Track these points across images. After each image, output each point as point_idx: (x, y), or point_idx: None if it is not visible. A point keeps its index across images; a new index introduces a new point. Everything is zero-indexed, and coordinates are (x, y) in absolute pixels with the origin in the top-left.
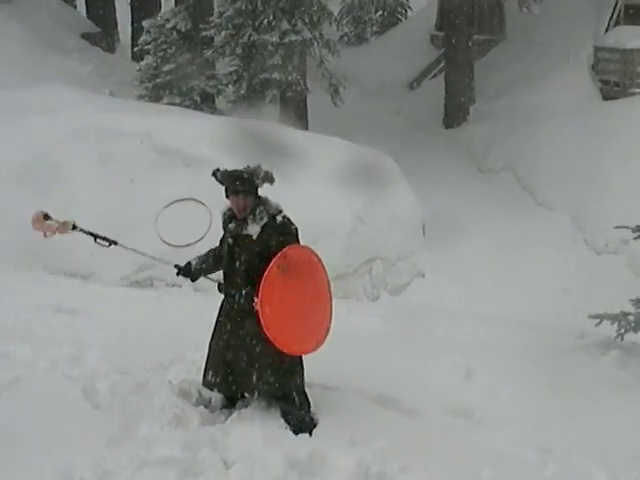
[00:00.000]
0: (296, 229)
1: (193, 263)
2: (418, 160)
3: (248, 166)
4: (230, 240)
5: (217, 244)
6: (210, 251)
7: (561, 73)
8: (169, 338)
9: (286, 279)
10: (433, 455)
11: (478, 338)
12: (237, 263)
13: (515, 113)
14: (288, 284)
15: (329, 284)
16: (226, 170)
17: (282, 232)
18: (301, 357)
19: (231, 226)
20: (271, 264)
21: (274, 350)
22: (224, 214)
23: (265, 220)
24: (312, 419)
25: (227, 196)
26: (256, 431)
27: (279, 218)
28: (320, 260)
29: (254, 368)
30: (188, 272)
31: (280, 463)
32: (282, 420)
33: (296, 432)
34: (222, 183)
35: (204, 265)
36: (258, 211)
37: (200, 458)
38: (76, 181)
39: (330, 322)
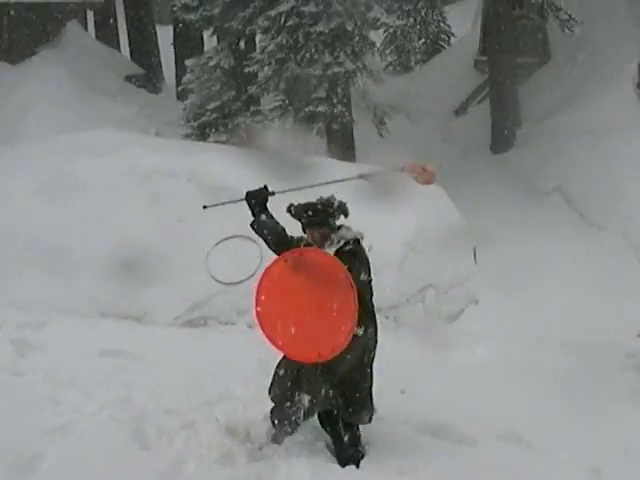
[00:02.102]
0: (365, 259)
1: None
2: (466, 186)
3: (321, 197)
4: None
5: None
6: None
7: (607, 92)
8: (217, 375)
9: (295, 276)
10: None
11: (524, 360)
12: None
13: (562, 134)
14: (295, 281)
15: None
16: (300, 204)
17: (348, 258)
18: None
19: None
20: (283, 254)
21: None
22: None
23: (339, 245)
24: (360, 451)
25: (304, 230)
26: (304, 466)
27: (349, 246)
28: (352, 285)
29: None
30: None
31: None
32: (329, 454)
33: (344, 465)
34: (296, 218)
35: (275, 227)
36: (335, 238)
37: None
38: (125, 222)
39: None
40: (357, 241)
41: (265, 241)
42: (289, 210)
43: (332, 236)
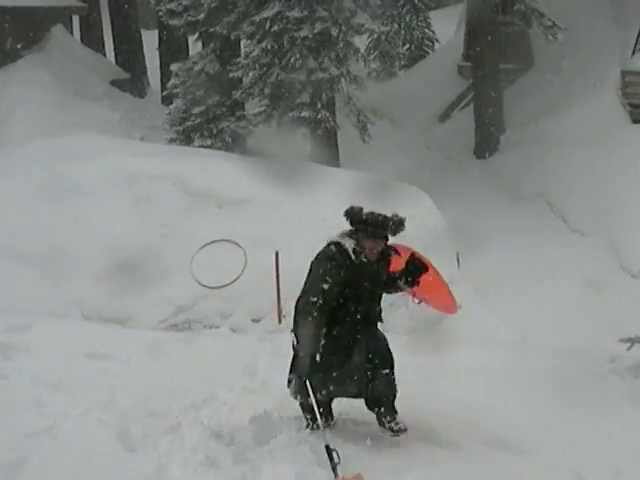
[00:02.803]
0: None
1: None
2: (450, 191)
3: (395, 214)
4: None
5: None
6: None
7: (589, 98)
8: (202, 379)
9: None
10: None
11: (508, 365)
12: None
13: (546, 140)
14: None
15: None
16: (378, 215)
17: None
18: None
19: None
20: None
21: None
22: (344, 252)
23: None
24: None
25: (362, 237)
26: (288, 468)
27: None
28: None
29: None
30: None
31: None
32: (314, 457)
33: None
34: (361, 224)
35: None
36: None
37: None
38: (110, 226)
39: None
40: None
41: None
42: (349, 214)
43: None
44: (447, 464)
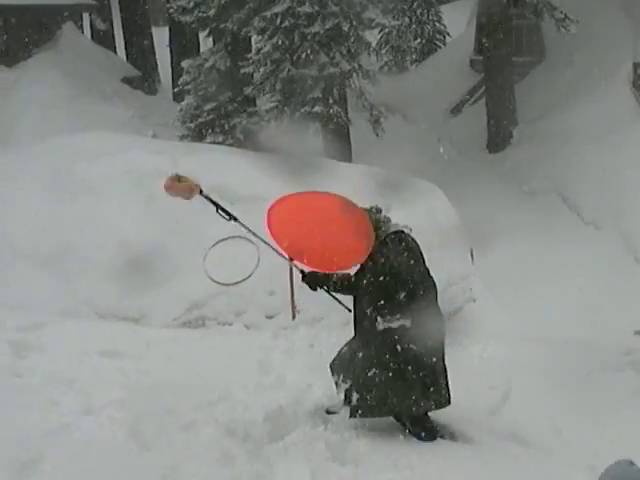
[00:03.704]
0: None
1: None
2: (462, 185)
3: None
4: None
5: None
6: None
7: (602, 91)
8: (216, 376)
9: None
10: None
11: (523, 359)
12: None
13: (559, 134)
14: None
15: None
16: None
17: None
18: None
19: None
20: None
21: None
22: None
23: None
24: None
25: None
26: (303, 465)
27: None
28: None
29: None
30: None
31: None
32: (328, 453)
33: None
34: None
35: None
36: None
37: None
38: (122, 224)
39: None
40: None
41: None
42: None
43: None
44: (458, 458)
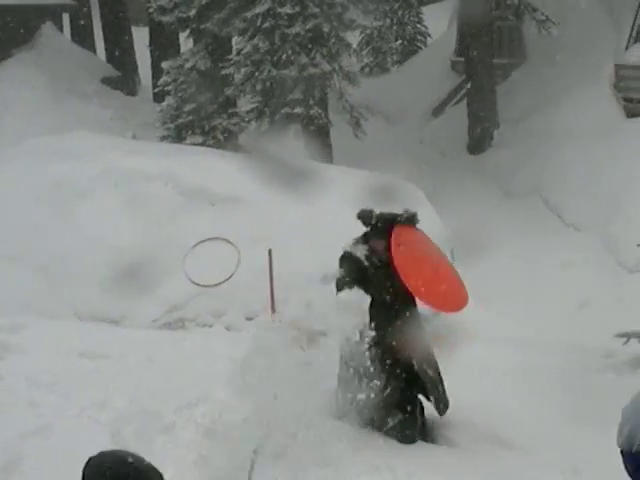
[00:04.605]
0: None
1: None
2: (443, 187)
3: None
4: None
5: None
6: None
7: (583, 93)
8: (196, 378)
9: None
10: None
11: (503, 361)
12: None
13: (540, 135)
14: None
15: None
16: (381, 214)
17: None
18: None
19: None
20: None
21: None
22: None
23: None
24: None
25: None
26: (283, 467)
27: None
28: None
29: None
30: None
31: None
32: (311, 455)
33: None
34: (378, 224)
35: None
36: None
37: None
38: (104, 225)
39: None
40: None
41: None
42: (364, 217)
43: None
44: (443, 460)
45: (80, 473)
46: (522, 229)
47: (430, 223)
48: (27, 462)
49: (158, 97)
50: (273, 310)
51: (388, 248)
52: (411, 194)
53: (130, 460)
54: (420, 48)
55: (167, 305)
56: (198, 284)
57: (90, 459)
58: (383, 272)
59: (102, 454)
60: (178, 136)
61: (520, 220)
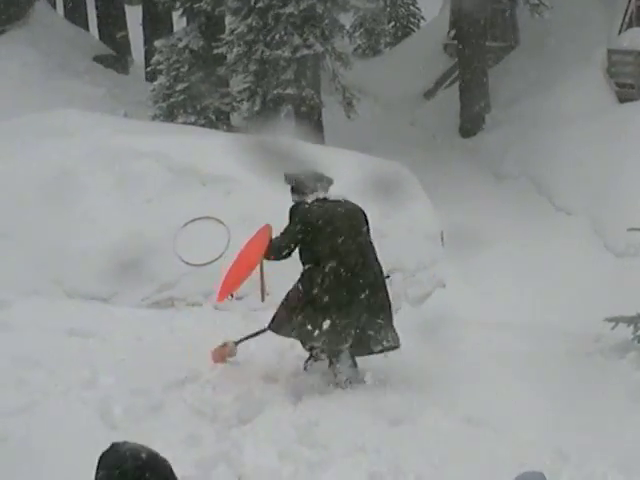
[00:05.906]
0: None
1: None
2: (435, 170)
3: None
4: None
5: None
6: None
7: (576, 77)
8: (185, 356)
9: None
10: (449, 464)
11: (493, 346)
12: None
13: (531, 119)
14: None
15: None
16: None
17: None
18: None
19: None
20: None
21: None
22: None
23: None
24: None
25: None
26: (270, 447)
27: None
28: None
29: None
30: None
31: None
32: (295, 434)
33: None
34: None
35: None
36: None
37: (215, 475)
38: (94, 203)
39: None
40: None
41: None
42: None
43: None
44: (426, 443)
45: (67, 452)
46: (512, 213)
47: (419, 203)
48: (13, 440)
49: (150, 76)
50: (263, 289)
51: None
52: (405, 178)
53: (143, 455)
54: (413, 30)
55: (157, 284)
56: (188, 263)
57: (105, 451)
58: None
59: (116, 445)
60: (170, 115)
61: (510, 203)
